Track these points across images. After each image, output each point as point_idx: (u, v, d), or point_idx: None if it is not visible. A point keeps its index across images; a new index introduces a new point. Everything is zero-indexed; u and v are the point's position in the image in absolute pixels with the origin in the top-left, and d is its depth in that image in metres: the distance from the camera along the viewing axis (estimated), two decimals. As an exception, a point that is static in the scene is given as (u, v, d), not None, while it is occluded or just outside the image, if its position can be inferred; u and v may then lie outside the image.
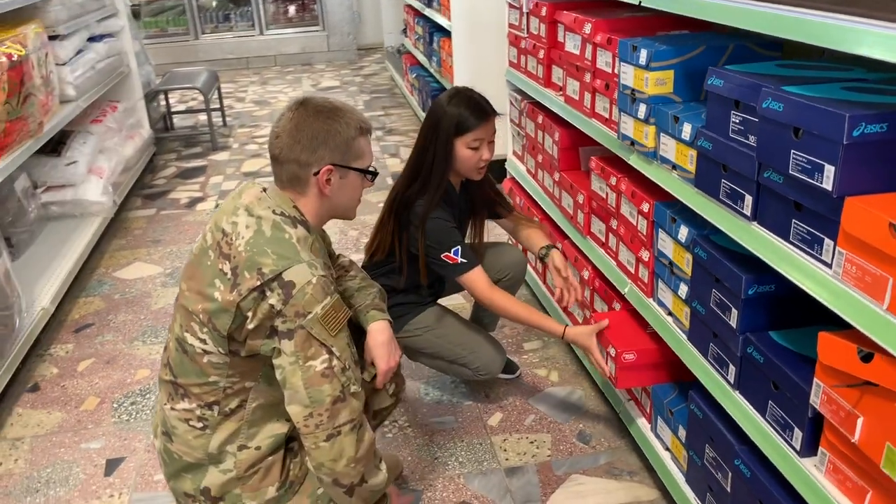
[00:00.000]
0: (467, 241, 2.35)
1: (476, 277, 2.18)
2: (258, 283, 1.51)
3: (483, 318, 2.61)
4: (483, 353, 2.29)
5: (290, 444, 1.76)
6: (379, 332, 1.87)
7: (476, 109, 2.14)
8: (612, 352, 2.06)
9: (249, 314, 1.53)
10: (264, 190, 1.66)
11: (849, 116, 1.16)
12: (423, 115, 5.63)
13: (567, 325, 2.17)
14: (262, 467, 1.68)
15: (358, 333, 1.96)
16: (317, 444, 1.57)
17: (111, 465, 2.35)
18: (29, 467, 2.36)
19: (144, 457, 2.37)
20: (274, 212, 1.60)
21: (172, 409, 1.68)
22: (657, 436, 2.11)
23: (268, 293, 1.51)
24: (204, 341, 1.58)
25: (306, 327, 1.52)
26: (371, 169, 1.74)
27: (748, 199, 1.47)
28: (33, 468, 2.35)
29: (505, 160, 3.32)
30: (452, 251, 2.16)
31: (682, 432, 1.93)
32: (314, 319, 1.52)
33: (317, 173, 1.63)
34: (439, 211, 2.17)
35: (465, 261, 2.16)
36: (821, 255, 1.29)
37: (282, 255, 1.53)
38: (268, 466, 1.69)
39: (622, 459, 2.28)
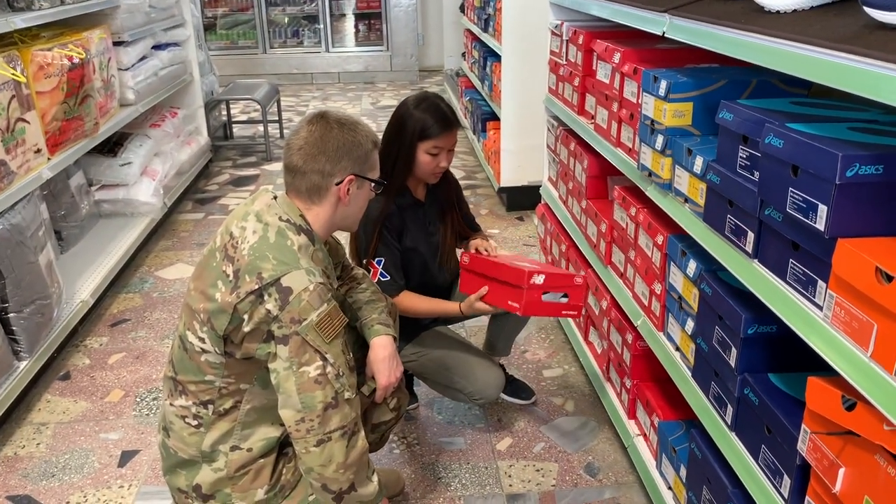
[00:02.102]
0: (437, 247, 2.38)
1: (398, 300, 2.21)
2: (256, 286, 1.55)
3: (496, 343, 2.60)
4: (477, 378, 2.27)
5: (284, 448, 1.78)
6: (381, 347, 1.89)
7: (441, 118, 2.17)
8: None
9: (246, 317, 1.56)
10: (275, 198, 1.70)
11: (842, 156, 1.13)
12: (472, 137, 5.68)
13: (460, 304, 2.20)
14: (252, 469, 1.71)
15: (365, 347, 1.99)
16: (307, 449, 1.59)
17: (125, 457, 2.42)
18: (49, 452, 2.44)
19: (158, 451, 2.42)
20: (280, 218, 1.64)
21: (171, 404, 1.73)
22: (662, 474, 2.06)
23: (265, 297, 1.55)
24: (202, 340, 1.62)
25: (301, 334, 1.54)
26: (383, 181, 1.81)
27: (750, 235, 1.44)
28: (53, 453, 2.44)
29: (540, 185, 3.32)
30: (376, 260, 2.19)
31: (683, 472, 1.88)
32: (309, 326, 1.55)
33: (338, 183, 1.68)
34: (382, 216, 2.19)
35: (387, 278, 2.19)
36: (814, 297, 1.26)
37: (281, 261, 1.57)
38: (258, 469, 1.71)
39: (627, 496, 2.23)
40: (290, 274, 1.55)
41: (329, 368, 1.57)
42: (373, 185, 1.77)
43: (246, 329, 1.57)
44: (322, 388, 1.56)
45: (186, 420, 1.70)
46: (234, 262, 1.60)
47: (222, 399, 1.67)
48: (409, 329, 2.29)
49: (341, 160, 1.67)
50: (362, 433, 1.67)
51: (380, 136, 1.92)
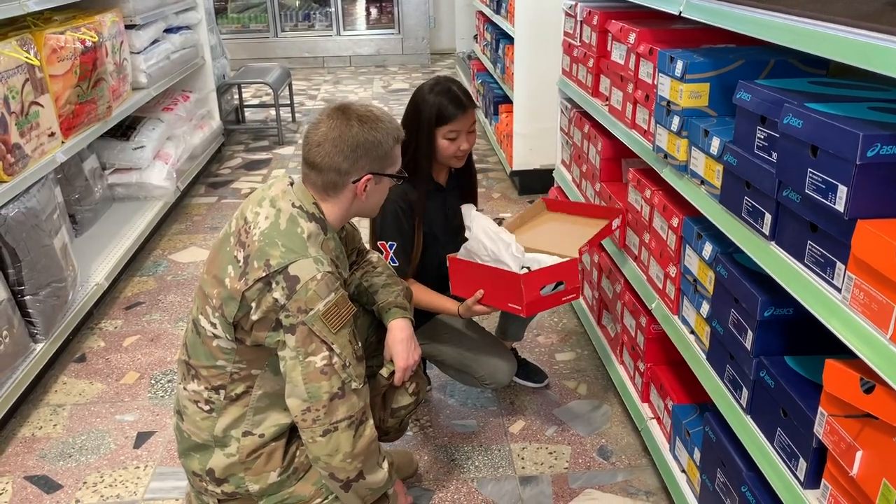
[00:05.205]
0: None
1: None
2: (264, 274, 1.55)
3: (508, 328, 2.60)
4: (488, 362, 2.27)
5: (297, 431, 1.78)
6: (399, 329, 1.88)
7: (454, 101, 2.14)
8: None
9: (254, 305, 1.56)
10: (291, 184, 1.69)
11: (863, 136, 1.11)
12: (484, 120, 5.65)
13: (458, 306, 2.16)
14: (264, 452, 1.71)
15: (381, 330, 1.99)
16: (314, 439, 1.60)
17: (141, 438, 2.44)
18: (66, 433, 2.47)
19: (172, 433, 2.44)
20: (293, 205, 1.63)
21: (184, 388, 1.74)
22: (675, 457, 2.06)
23: (273, 285, 1.54)
24: (214, 325, 1.63)
25: (307, 324, 1.54)
26: (403, 174, 1.78)
27: (768, 217, 1.42)
28: (69, 434, 2.46)
29: (553, 169, 3.30)
30: (389, 243, 2.18)
31: (697, 455, 1.88)
32: (316, 316, 1.54)
33: (356, 181, 1.66)
34: (401, 199, 2.17)
35: (394, 264, 2.17)
36: (832, 279, 1.24)
37: (290, 249, 1.56)
38: (270, 452, 1.72)
39: (640, 479, 2.23)
40: (298, 262, 1.55)
41: (335, 359, 1.57)
42: (398, 180, 1.76)
43: (254, 317, 1.57)
44: (328, 378, 1.56)
45: (199, 405, 1.71)
46: (245, 247, 1.59)
47: (234, 384, 1.67)
48: (423, 313, 2.28)
49: (360, 160, 1.64)
50: (370, 422, 1.67)
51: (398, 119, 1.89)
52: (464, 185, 2.37)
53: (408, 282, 2.22)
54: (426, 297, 2.23)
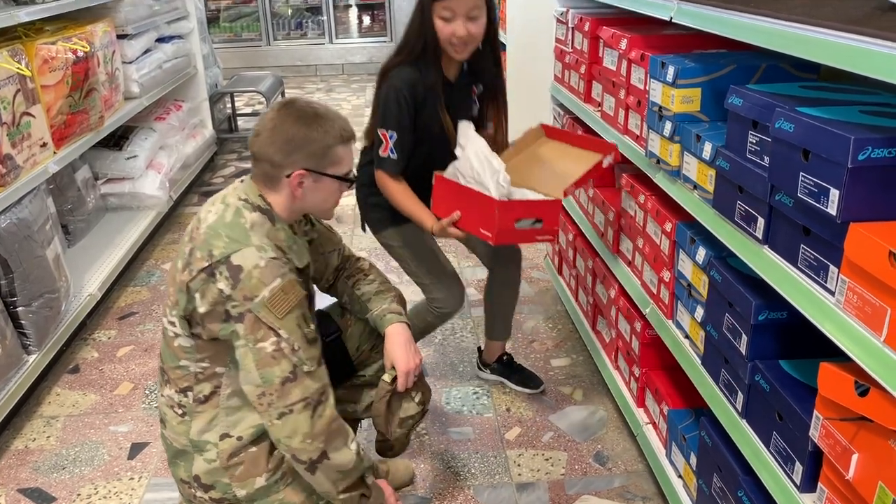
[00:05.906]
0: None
1: (387, 180, 2.14)
2: (206, 264, 1.57)
3: (495, 324, 2.62)
4: (445, 286, 2.24)
5: None
6: (397, 334, 1.88)
7: None
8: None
9: (197, 296, 1.57)
10: (242, 180, 1.71)
11: (854, 139, 1.11)
12: (478, 127, 5.65)
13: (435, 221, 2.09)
14: (246, 459, 1.71)
15: (373, 337, 1.99)
16: (271, 422, 1.61)
17: (135, 449, 2.42)
18: (59, 445, 2.45)
19: (167, 443, 2.43)
20: (240, 198, 1.66)
21: (162, 395, 1.75)
22: (671, 462, 2.05)
23: (217, 276, 1.56)
24: (173, 323, 1.65)
25: (253, 311, 1.55)
26: (350, 176, 1.74)
27: (760, 221, 1.43)
28: (63, 446, 2.44)
29: (547, 175, 3.30)
30: (389, 133, 2.11)
31: (693, 459, 1.88)
32: (261, 303, 1.55)
33: (289, 175, 1.65)
34: (406, 87, 2.10)
35: (392, 157, 2.12)
36: (825, 282, 1.25)
37: (233, 239, 1.58)
38: (252, 458, 1.71)
39: (637, 484, 2.22)
40: (241, 252, 1.56)
41: (283, 344, 1.57)
42: (345, 182, 1.73)
43: (201, 310, 1.58)
44: (279, 363, 1.57)
45: (174, 409, 1.72)
46: (193, 241, 1.62)
47: (200, 385, 1.68)
48: (394, 212, 2.22)
49: (292, 154, 1.63)
50: (330, 402, 1.65)
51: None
52: (479, 83, 2.26)
53: (397, 179, 2.16)
54: (407, 201, 2.15)
